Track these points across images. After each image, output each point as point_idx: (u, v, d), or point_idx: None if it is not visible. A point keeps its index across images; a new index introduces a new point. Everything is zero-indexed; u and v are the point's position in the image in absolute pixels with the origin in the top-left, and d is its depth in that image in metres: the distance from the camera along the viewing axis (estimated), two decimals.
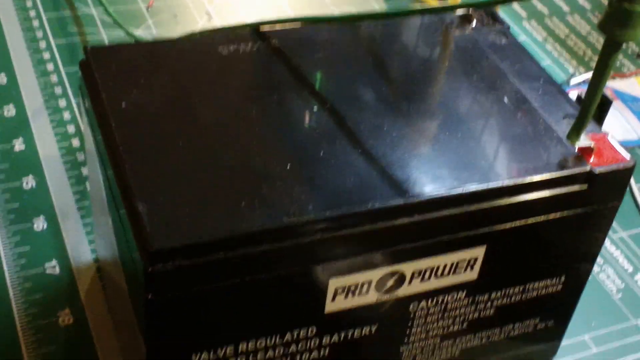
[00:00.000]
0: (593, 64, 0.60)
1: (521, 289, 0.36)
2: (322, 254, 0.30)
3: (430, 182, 0.32)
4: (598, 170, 0.34)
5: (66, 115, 0.50)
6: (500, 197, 0.32)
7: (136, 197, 0.29)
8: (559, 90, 0.38)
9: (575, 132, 0.34)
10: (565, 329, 0.40)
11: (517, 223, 0.33)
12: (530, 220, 0.34)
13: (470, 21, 0.41)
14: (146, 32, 0.57)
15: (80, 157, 0.48)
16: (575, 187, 0.34)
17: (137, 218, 0.28)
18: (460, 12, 0.41)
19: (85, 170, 0.47)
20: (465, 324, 0.36)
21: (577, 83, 0.59)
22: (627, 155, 0.34)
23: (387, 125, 0.34)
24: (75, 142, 0.49)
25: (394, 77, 0.37)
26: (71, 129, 0.50)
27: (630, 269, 0.46)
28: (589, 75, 0.59)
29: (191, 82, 0.35)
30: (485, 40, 0.40)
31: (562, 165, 0.33)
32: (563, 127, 0.35)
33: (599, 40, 0.64)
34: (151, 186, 0.30)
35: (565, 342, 0.41)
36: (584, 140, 0.34)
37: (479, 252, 0.33)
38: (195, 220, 0.29)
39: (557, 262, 0.36)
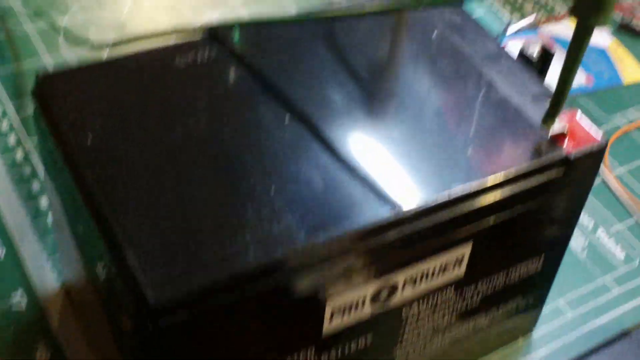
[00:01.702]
0: (525, 9, 0.61)
1: (504, 274, 0.36)
2: (316, 279, 0.30)
3: (413, 190, 0.31)
4: (573, 155, 0.34)
5: (4, 126, 0.48)
6: (483, 195, 0.32)
7: (126, 251, 0.28)
8: (520, 68, 0.37)
9: (549, 118, 0.34)
10: (544, 300, 0.41)
11: (500, 217, 0.33)
12: (511, 212, 0.34)
13: None
14: (72, 19, 0.55)
15: (26, 170, 0.46)
16: (552, 174, 0.34)
17: (129, 273, 0.27)
18: None
19: (35, 185, 0.45)
20: (453, 317, 0.36)
21: (515, 32, 0.58)
22: (598, 134, 0.34)
23: (359, 130, 0.33)
24: (19, 155, 0.47)
25: (357, 73, 0.36)
26: (12, 139, 0.47)
27: (591, 225, 0.47)
28: (525, 22, 0.59)
29: (156, 102, 0.34)
30: (439, 19, 0.39)
31: (537, 154, 0.33)
32: (532, 109, 0.35)
33: None
34: (137, 233, 0.28)
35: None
36: (557, 125, 0.34)
37: (465, 249, 0.33)
38: (190, 265, 0.28)
39: (536, 244, 0.37)
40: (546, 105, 0.34)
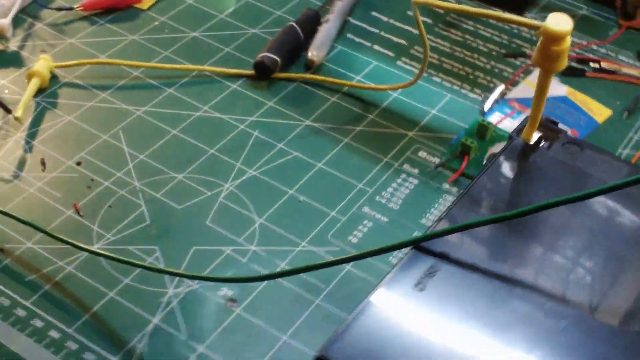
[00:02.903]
0: (480, 81, 0.65)
1: None
2: None
3: None
4: None
5: None
6: None
7: None
8: None
9: None
10: None
11: None
12: None
13: (539, 144, 0.44)
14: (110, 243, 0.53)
15: None
16: None
17: None
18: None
19: None
20: None
21: (490, 108, 0.63)
22: None
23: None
24: None
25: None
26: None
27: None
28: (494, 96, 0.64)
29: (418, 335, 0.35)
30: (579, 161, 0.43)
31: None
32: None
33: (462, 52, 0.68)
34: None
35: None
36: None
37: None
38: None
39: None
40: None
